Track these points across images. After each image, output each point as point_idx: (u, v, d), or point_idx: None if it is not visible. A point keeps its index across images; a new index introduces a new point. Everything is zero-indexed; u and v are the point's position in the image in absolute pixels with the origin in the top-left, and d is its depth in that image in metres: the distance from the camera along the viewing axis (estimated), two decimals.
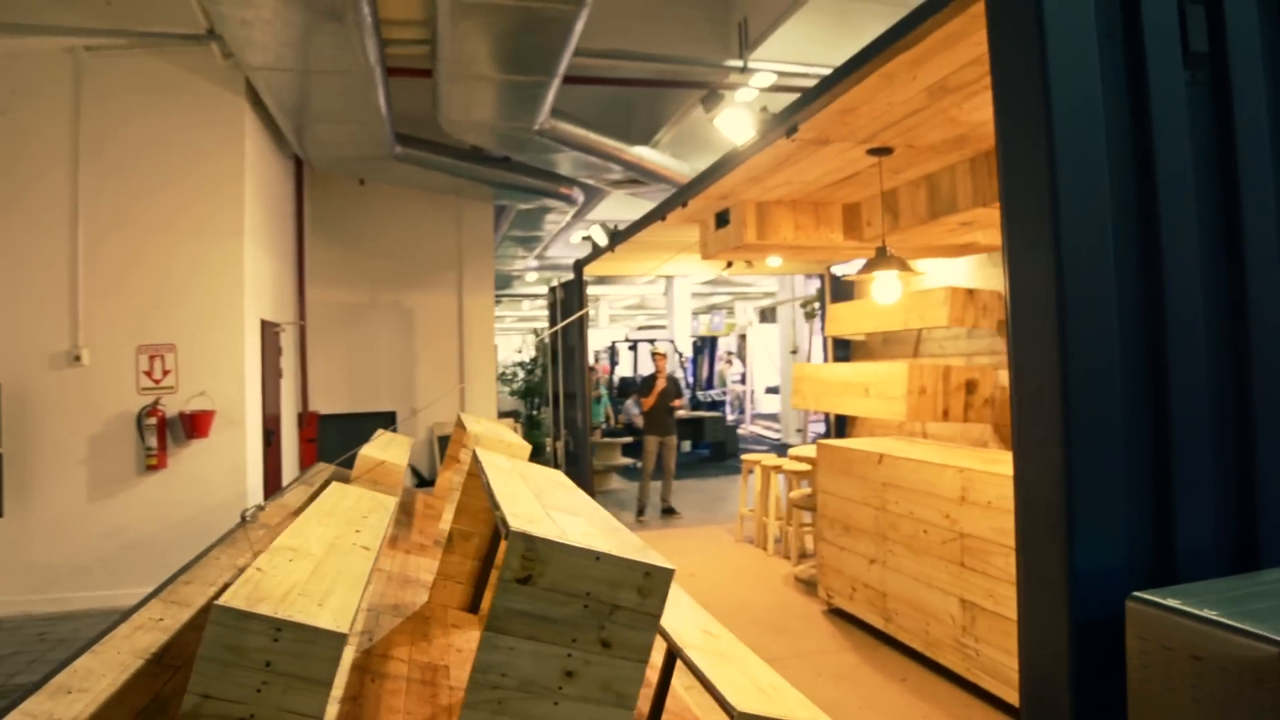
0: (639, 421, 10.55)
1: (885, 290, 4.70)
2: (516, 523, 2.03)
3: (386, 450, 5.39)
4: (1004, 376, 6.40)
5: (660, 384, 8.96)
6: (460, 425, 6.45)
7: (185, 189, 7.05)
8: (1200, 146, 2.22)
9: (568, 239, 16.94)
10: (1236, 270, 2.25)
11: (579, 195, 11.14)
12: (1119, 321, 2.11)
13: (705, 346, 17.30)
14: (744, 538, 8.07)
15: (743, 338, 21.50)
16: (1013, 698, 3.93)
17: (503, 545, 1.95)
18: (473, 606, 4.27)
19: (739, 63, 7.51)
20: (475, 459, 3.57)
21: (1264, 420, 2.24)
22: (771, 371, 18.44)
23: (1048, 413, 2.10)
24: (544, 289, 23.37)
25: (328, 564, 2.56)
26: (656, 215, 5.66)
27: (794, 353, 16.05)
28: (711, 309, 28.46)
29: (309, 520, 3.02)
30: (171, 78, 7.02)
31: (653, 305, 29.15)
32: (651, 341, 15.37)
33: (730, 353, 20.98)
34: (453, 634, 3.99)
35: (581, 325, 8.22)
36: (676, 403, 9.25)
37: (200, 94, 7.10)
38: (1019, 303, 2.19)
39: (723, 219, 5.43)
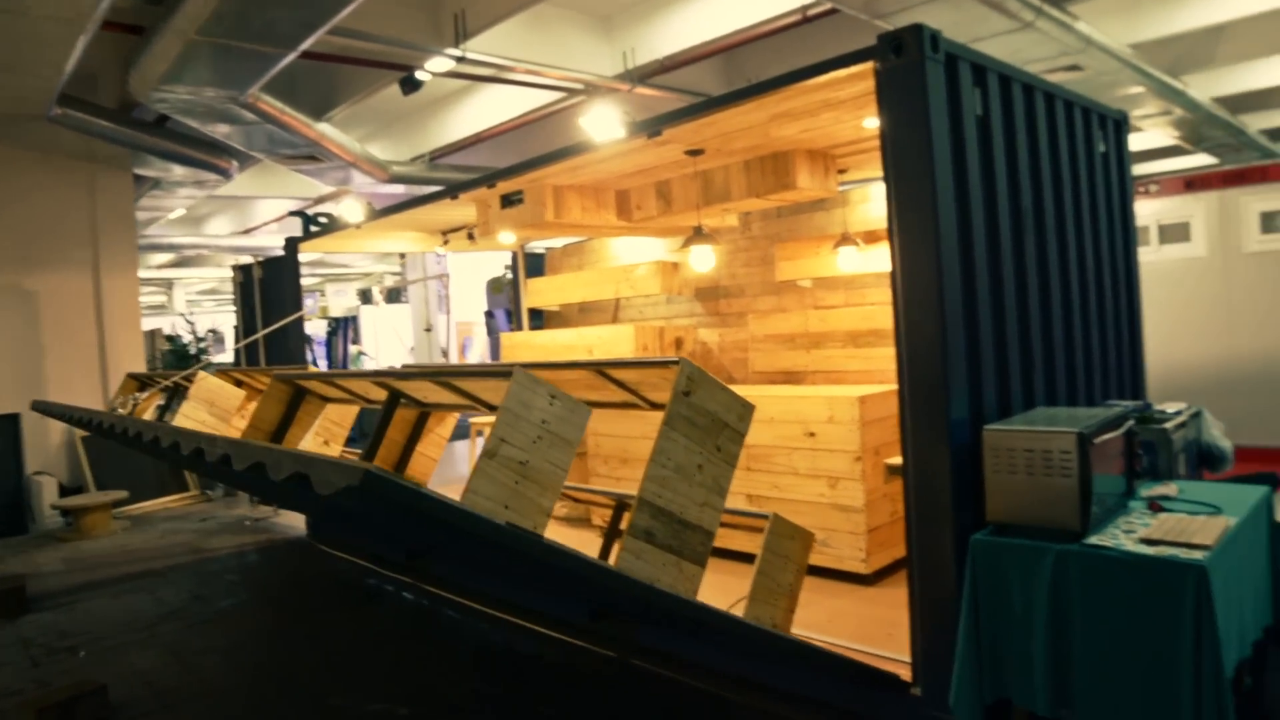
0: None
1: (701, 261, 6.07)
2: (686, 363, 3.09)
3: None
4: (702, 334, 8.20)
5: None
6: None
7: None
8: (982, 166, 3.91)
9: (163, 219, 15.71)
10: (995, 245, 3.99)
11: (234, 168, 10.86)
12: (960, 277, 3.71)
13: (340, 327, 17.24)
14: None
15: (352, 319, 21.46)
16: None
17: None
18: None
19: (458, 52, 8.28)
20: None
21: (1010, 349, 4.03)
22: (400, 351, 18.90)
23: (928, 332, 3.62)
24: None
25: None
26: (448, 193, 6.36)
27: (428, 330, 16.83)
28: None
29: None
30: None
31: (227, 290, 27.37)
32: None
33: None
34: None
35: (298, 301, 8.35)
36: None
37: None
38: (909, 263, 3.67)
39: (509, 199, 6.34)
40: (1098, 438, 3.47)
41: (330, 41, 8.02)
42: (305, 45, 6.87)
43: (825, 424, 5.38)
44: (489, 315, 17.35)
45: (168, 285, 24.18)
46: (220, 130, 8.82)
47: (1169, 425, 4.42)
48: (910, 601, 3.81)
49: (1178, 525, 3.44)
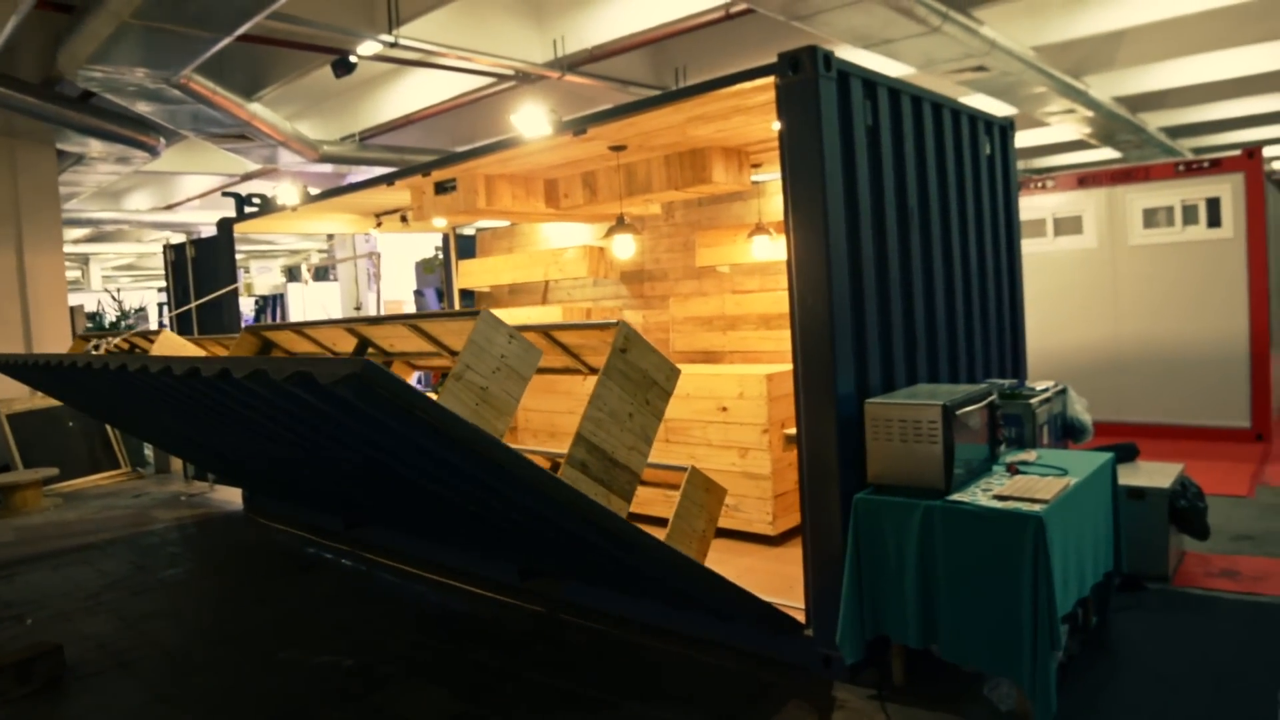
0: None
1: (622, 248, 6.56)
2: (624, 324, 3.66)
3: None
4: (627, 315, 8.70)
5: None
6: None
7: None
8: (871, 169, 4.47)
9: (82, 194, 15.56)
10: (882, 239, 4.57)
11: (162, 145, 10.96)
12: (848, 267, 4.28)
13: (267, 305, 17.26)
14: None
15: (279, 297, 21.46)
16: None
17: None
18: None
19: (390, 37, 8.58)
20: None
21: (895, 332, 4.61)
22: None
23: (819, 315, 4.18)
24: None
25: None
26: (384, 180, 6.72)
27: (358, 309, 17.00)
28: None
29: None
30: None
31: (146, 265, 26.94)
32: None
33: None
34: None
35: (232, 281, 8.59)
36: None
37: None
38: (802, 255, 4.21)
39: (443, 187, 6.74)
40: (960, 410, 4.08)
41: (263, 24, 8.21)
42: (241, 30, 7.12)
43: (736, 400, 5.95)
44: (419, 294, 17.60)
45: (83, 261, 23.72)
46: (148, 108, 8.96)
47: (1034, 401, 5.07)
48: (804, 554, 4.39)
49: (1027, 484, 4.08)
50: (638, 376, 3.75)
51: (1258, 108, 15.28)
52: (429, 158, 12.33)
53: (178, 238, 18.36)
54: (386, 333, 4.65)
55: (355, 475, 4.48)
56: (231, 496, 9.21)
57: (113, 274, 27.73)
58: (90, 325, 14.73)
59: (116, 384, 4.60)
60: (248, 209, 8.63)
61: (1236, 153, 8.79)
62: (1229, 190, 8.68)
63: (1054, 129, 14.34)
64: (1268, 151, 20.87)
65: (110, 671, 5.01)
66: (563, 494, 3.34)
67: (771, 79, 4.21)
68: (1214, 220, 8.79)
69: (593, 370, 4.42)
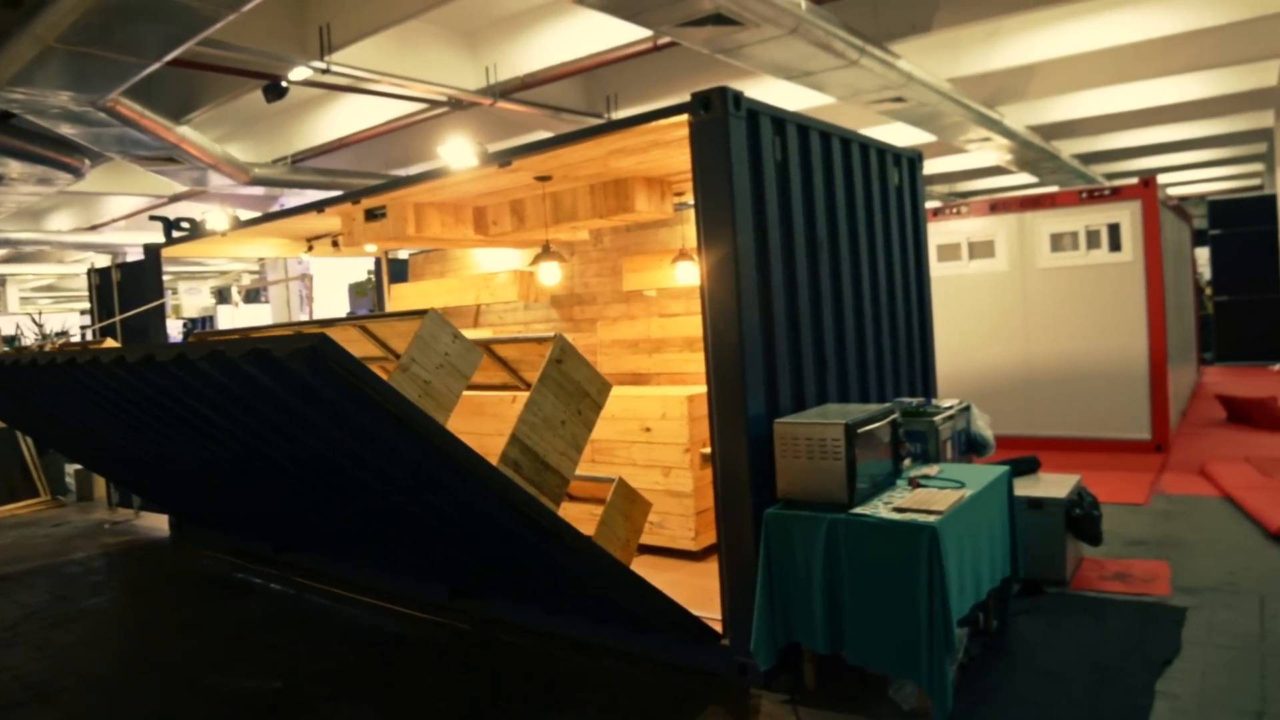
0: None
1: (548, 275, 6.75)
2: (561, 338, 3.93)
3: None
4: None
5: None
6: None
7: None
8: (780, 201, 4.75)
9: None
10: (791, 267, 4.85)
11: (86, 166, 10.88)
12: (758, 295, 4.54)
13: (196, 328, 17.00)
14: None
15: (209, 319, 21.16)
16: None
17: None
18: None
19: (322, 64, 8.69)
20: None
21: (805, 355, 4.89)
22: None
23: (730, 341, 4.43)
24: None
25: None
26: (314, 207, 6.82)
27: None
28: None
29: None
30: None
31: (68, 287, 26.31)
32: None
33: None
34: None
35: (160, 308, 8.57)
36: None
37: None
38: (713, 284, 4.46)
39: (372, 214, 6.87)
40: (863, 428, 4.36)
41: (194, 49, 8.23)
42: (170, 56, 7.17)
43: (659, 420, 6.18)
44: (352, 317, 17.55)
45: (0, 282, 23.10)
46: (72, 131, 8.91)
47: (937, 418, 5.39)
48: (720, 567, 4.62)
49: (925, 497, 4.37)
50: (571, 387, 3.99)
51: (1160, 137, 16.17)
52: (361, 181, 12.43)
53: (102, 259, 18.03)
54: (334, 336, 4.79)
55: (294, 478, 4.57)
56: (158, 524, 9.13)
57: (31, 295, 27.00)
58: (8, 348, 14.37)
59: (54, 387, 4.62)
60: (176, 233, 8.61)
61: (1134, 181, 9.35)
62: (1128, 216, 9.23)
63: (976, 155, 14.97)
64: (1168, 178, 22.01)
65: (29, 704, 4.99)
66: (496, 481, 3.54)
67: (685, 117, 4.46)
68: (1115, 245, 9.32)
69: (528, 386, 4.62)
